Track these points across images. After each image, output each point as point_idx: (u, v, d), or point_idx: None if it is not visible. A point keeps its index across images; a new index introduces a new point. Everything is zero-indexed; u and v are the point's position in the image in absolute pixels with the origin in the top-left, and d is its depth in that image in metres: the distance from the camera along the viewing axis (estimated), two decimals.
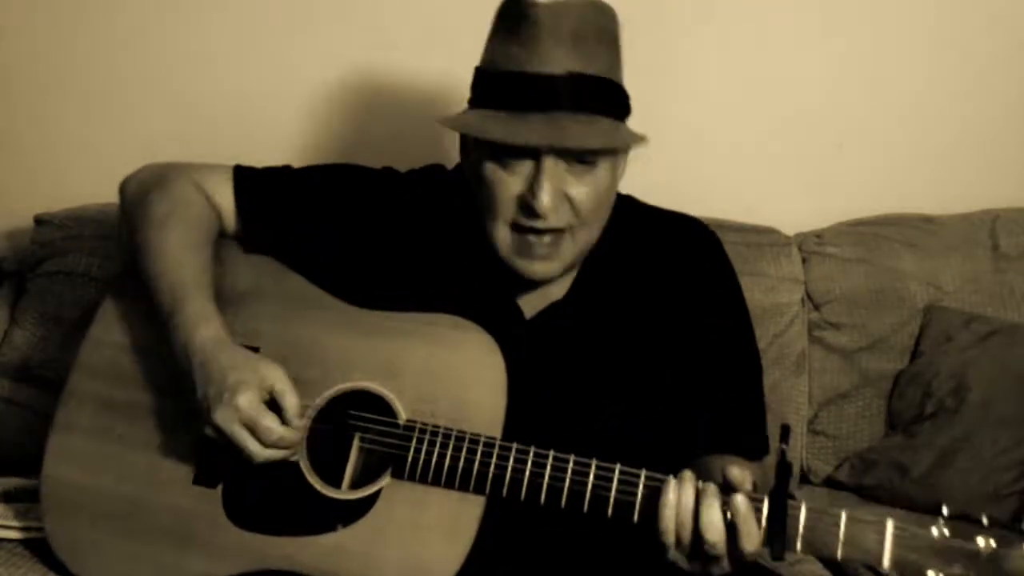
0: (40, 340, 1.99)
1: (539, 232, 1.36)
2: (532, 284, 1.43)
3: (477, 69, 1.39)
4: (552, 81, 1.30)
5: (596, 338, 1.44)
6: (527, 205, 1.34)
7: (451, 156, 1.52)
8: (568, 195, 1.34)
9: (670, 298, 1.45)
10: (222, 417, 1.30)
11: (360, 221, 1.50)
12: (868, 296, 2.00)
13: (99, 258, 2.02)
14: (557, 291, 1.46)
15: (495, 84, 1.34)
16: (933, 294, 1.99)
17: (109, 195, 2.12)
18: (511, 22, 1.33)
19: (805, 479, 1.99)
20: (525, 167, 1.33)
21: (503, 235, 1.38)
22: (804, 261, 2.04)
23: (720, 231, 1.55)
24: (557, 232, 1.36)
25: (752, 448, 1.43)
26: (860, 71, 2.12)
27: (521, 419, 1.34)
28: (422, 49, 2.09)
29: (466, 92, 1.40)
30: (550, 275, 1.41)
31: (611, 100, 1.35)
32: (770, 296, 1.98)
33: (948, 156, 2.15)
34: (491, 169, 1.35)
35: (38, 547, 1.55)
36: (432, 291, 1.44)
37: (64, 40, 2.17)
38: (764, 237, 2.02)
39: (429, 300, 1.42)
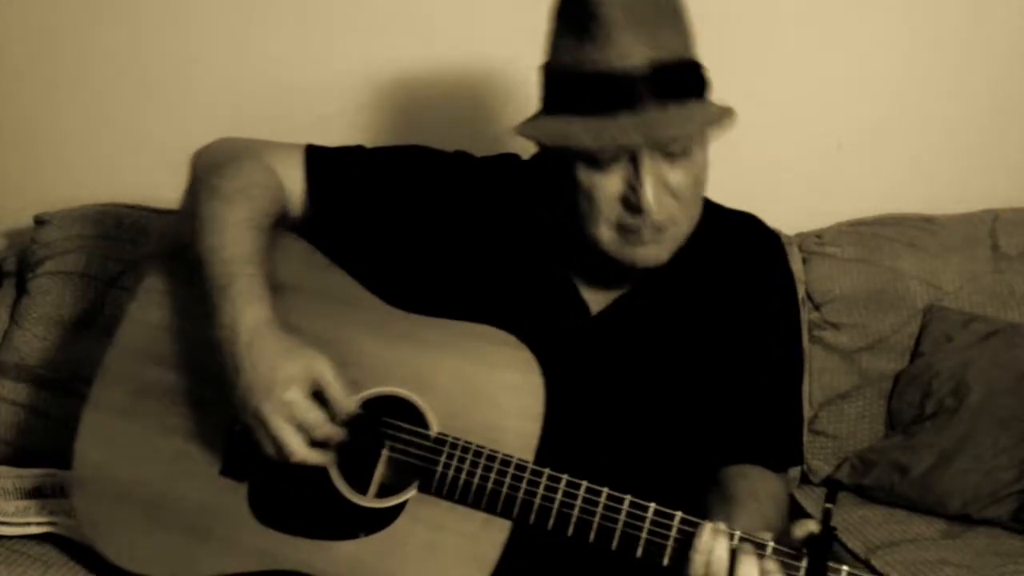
0: (40, 340, 1.99)
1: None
2: (599, 280, 1.39)
3: (547, 71, 1.32)
4: (633, 76, 1.24)
5: (657, 335, 1.41)
6: (631, 204, 1.28)
7: (510, 148, 1.52)
8: (669, 185, 1.29)
9: (726, 301, 1.43)
10: (268, 411, 1.25)
11: (427, 208, 1.46)
12: (868, 296, 2.00)
13: (99, 258, 2.02)
14: (623, 287, 1.43)
15: (573, 87, 1.27)
16: (933, 294, 1.99)
17: (109, 195, 2.15)
18: (577, 20, 1.26)
19: (805, 479, 1.99)
20: (621, 167, 1.28)
21: (606, 235, 1.32)
22: (804, 261, 2.04)
23: None
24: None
25: (778, 459, 1.42)
26: (860, 71, 2.12)
27: (566, 418, 1.31)
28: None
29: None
30: (658, 260, 1.35)
31: (693, 79, 1.30)
32: None
33: (948, 156, 2.14)
34: (585, 174, 1.29)
35: (44, 541, 1.56)
36: (494, 286, 1.42)
37: (64, 40, 2.17)
38: None
39: (490, 295, 1.40)
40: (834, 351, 2.00)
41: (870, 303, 1.99)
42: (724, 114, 1.30)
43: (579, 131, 1.25)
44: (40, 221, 2.09)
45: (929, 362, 1.93)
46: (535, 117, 1.34)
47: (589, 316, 1.43)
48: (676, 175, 1.29)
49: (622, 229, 1.31)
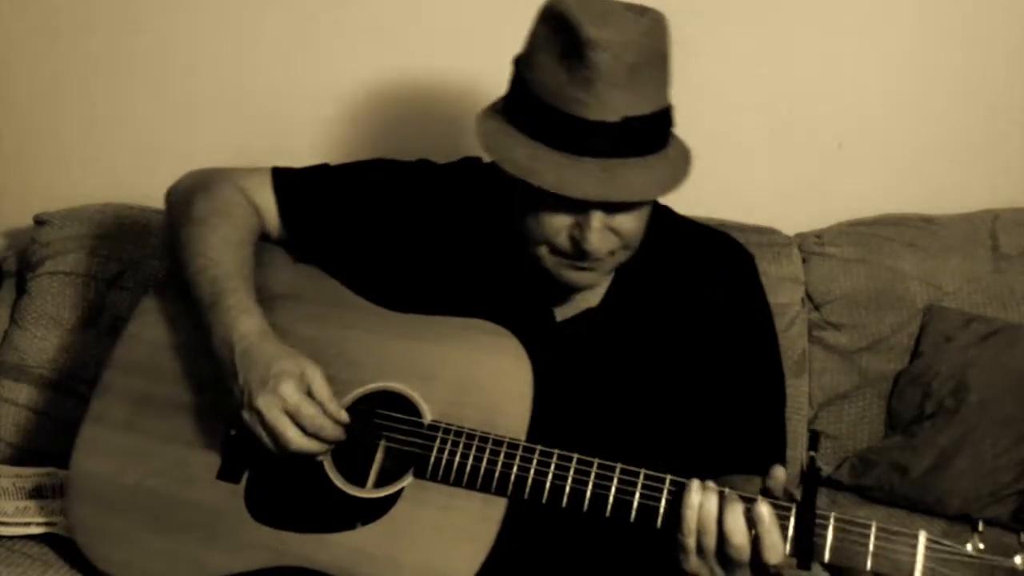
0: (40, 340, 2.00)
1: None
2: (567, 289, 1.42)
3: (523, 78, 1.31)
4: (609, 128, 1.25)
5: (625, 348, 1.44)
6: (576, 241, 1.32)
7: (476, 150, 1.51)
8: (615, 227, 1.32)
9: (700, 316, 1.45)
10: (264, 403, 1.30)
11: (396, 218, 1.50)
12: (868, 296, 1.99)
13: (99, 258, 2.02)
14: (591, 298, 1.46)
15: (546, 117, 1.27)
16: (933, 294, 1.99)
17: (109, 195, 2.15)
18: (568, 50, 1.26)
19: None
20: (574, 205, 1.29)
21: (547, 256, 1.36)
22: (804, 261, 2.04)
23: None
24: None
25: (766, 467, 1.42)
26: (860, 71, 2.11)
27: (545, 424, 1.34)
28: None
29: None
30: (592, 284, 1.40)
31: (660, 128, 1.32)
32: (770, 296, 1.93)
33: (948, 156, 2.14)
34: (536, 200, 1.30)
35: (44, 541, 1.56)
36: (464, 290, 1.45)
37: (65, 40, 2.17)
38: (764, 237, 2.01)
39: (461, 299, 1.43)
40: (834, 351, 1.99)
41: (870, 303, 1.99)
42: (680, 171, 1.32)
43: (544, 169, 1.26)
44: (40, 221, 2.09)
45: (929, 362, 1.93)
46: (499, 118, 1.34)
47: (554, 323, 1.45)
48: (625, 221, 1.32)
49: (563, 254, 1.35)
